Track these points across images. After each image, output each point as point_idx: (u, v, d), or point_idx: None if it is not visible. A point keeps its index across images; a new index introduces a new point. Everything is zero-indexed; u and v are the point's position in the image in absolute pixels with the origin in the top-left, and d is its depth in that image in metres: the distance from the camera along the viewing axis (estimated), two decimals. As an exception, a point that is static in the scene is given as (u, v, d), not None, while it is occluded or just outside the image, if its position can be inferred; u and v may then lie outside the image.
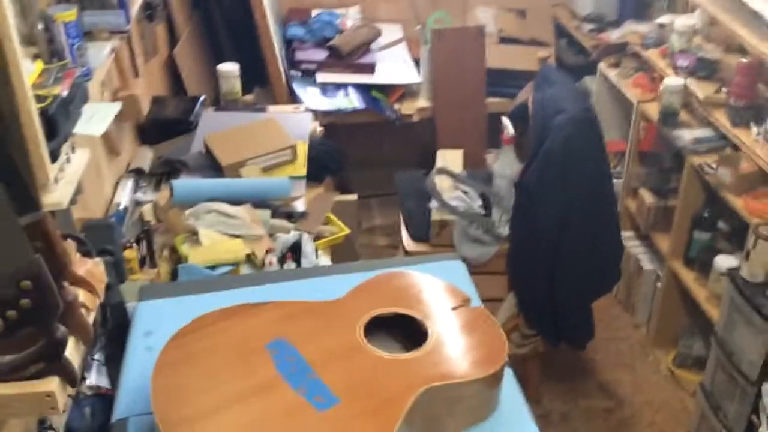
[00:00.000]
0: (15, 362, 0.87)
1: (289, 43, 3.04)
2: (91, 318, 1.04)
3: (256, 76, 2.54)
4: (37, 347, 0.87)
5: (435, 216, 2.22)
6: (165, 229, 1.70)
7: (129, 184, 1.89)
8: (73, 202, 1.45)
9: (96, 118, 1.21)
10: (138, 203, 1.85)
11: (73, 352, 0.95)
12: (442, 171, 2.26)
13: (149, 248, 1.57)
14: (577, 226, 1.90)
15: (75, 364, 0.94)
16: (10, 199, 0.83)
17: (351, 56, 2.98)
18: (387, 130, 3.05)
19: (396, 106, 2.99)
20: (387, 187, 2.93)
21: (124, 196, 1.83)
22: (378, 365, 1.12)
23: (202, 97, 2.29)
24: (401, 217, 2.42)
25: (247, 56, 2.58)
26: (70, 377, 0.91)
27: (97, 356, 1.44)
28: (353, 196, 2.32)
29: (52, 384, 0.89)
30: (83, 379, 1.36)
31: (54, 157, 1.09)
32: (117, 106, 1.30)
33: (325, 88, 2.92)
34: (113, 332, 1.30)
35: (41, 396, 0.88)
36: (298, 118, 2.22)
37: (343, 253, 1.91)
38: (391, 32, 3.28)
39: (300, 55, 2.95)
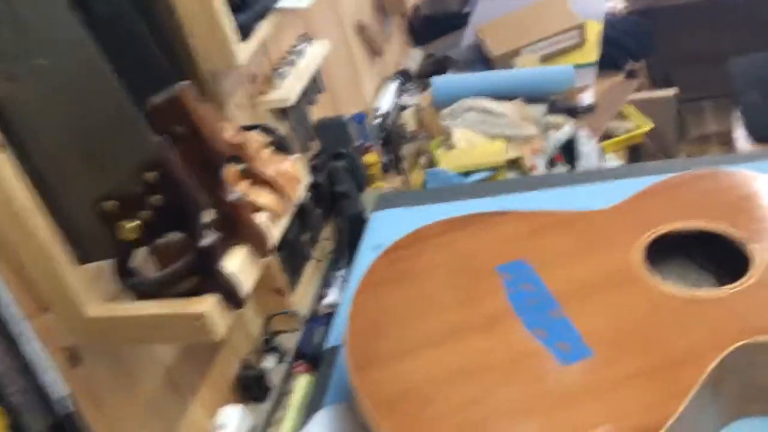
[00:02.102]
0: (164, 276, 0.71)
1: None
2: (279, 225, 0.84)
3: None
4: (185, 258, 0.70)
5: (786, 108, 1.64)
6: (424, 132, 1.46)
7: (393, 87, 1.68)
8: (310, 101, 1.28)
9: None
10: (402, 108, 1.64)
11: (243, 265, 0.76)
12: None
13: (395, 152, 1.35)
14: None
15: (244, 280, 0.75)
16: (137, 74, 0.65)
17: None
18: (721, 9, 2.41)
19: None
20: (724, 87, 2.32)
21: (386, 100, 1.63)
22: (663, 305, 0.74)
23: (481, -13, 1.98)
24: (738, 114, 1.86)
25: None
26: (232, 296, 0.72)
27: (342, 272, 1.29)
28: (670, 91, 1.83)
29: (205, 304, 0.70)
30: (321, 297, 1.22)
31: (245, 33, 0.89)
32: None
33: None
34: (352, 246, 1.10)
35: (191, 318, 0.71)
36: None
37: (648, 159, 1.48)
38: None
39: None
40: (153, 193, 0.65)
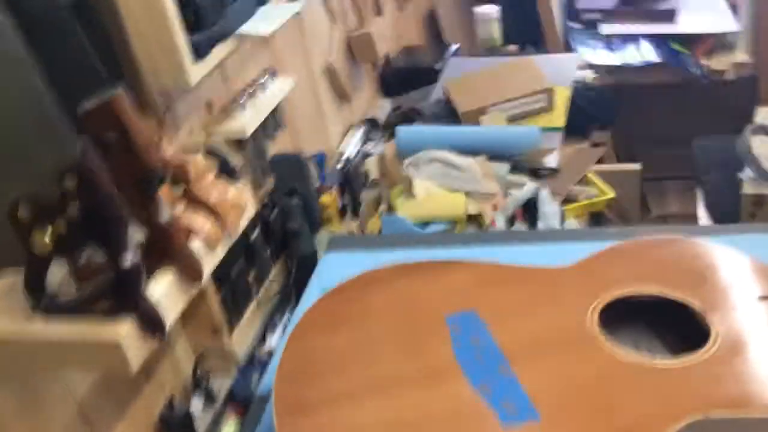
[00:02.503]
0: (79, 297, 0.64)
1: (569, -6, 2.61)
2: (215, 255, 0.79)
3: (524, 29, 2.16)
4: (103, 277, 0.64)
5: (748, 189, 1.65)
6: (386, 181, 1.43)
7: (358, 133, 1.66)
8: (269, 136, 1.24)
9: (270, 18, 0.96)
10: (366, 155, 1.61)
11: (169, 291, 0.70)
12: (762, 130, 1.67)
13: (354, 196, 1.31)
14: None
15: (169, 307, 0.69)
16: (71, 78, 0.61)
17: (646, 1, 2.45)
18: (687, 92, 2.45)
19: (703, 63, 2.39)
20: (687, 169, 2.34)
21: (350, 146, 1.60)
22: (616, 371, 0.70)
23: (454, 46, 1.99)
24: (699, 194, 1.87)
25: (515, 6, 2.22)
26: (153, 324, 0.66)
27: (287, 316, 1.22)
28: (635, 166, 1.83)
29: (120, 330, 0.64)
30: (263, 341, 1.15)
31: (199, 54, 0.85)
32: (296, 6, 1.04)
33: (611, 42, 2.42)
34: (300, 288, 1.05)
35: (104, 345, 0.64)
36: (560, 61, 1.81)
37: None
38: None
39: (582, 3, 2.50)
40: (70, 200, 0.59)
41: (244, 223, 0.85)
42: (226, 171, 0.85)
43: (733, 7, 2.46)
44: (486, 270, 0.86)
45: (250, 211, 0.85)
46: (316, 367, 0.74)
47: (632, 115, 2.29)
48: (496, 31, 2.00)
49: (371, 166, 1.55)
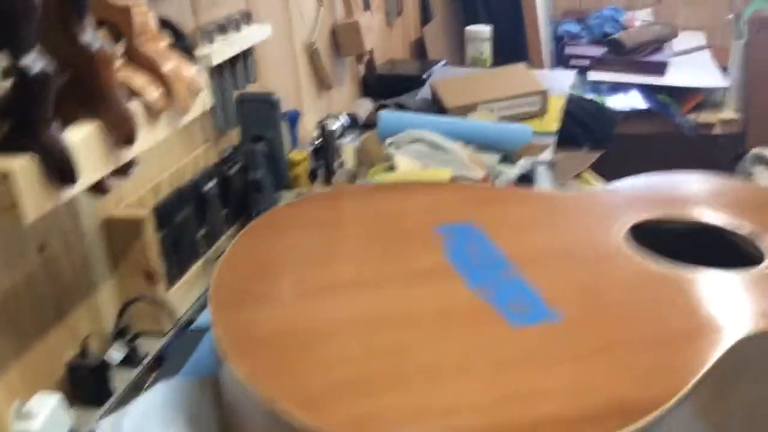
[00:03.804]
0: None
1: (558, 41, 2.58)
2: (155, 132, 0.64)
3: (513, 53, 2.10)
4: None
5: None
6: (364, 161, 1.29)
7: (336, 124, 1.53)
8: (236, 84, 1.11)
9: None
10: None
11: (87, 141, 0.55)
12: (759, 160, 1.58)
13: (327, 162, 1.17)
14: None
15: (85, 161, 0.54)
16: None
17: (635, 53, 2.42)
18: (673, 144, 2.40)
19: (690, 117, 2.35)
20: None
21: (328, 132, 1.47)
22: (652, 281, 0.56)
23: (442, 62, 1.90)
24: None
25: (505, 31, 2.17)
26: (56, 165, 0.50)
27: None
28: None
29: (15, 162, 0.48)
30: (205, 307, 0.97)
31: None
32: None
33: (598, 88, 2.38)
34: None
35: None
36: (555, 75, 1.73)
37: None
38: (689, 40, 2.66)
39: (571, 50, 2.47)
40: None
41: (197, 110, 0.70)
42: (182, 47, 0.71)
43: (723, 68, 2.45)
44: (481, 190, 0.72)
45: (205, 98, 0.71)
46: (266, 264, 0.58)
47: (618, 164, 2.21)
48: (486, 51, 1.92)
49: (347, 156, 1.41)
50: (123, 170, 0.78)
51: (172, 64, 0.66)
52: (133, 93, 0.61)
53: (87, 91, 0.55)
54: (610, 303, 0.52)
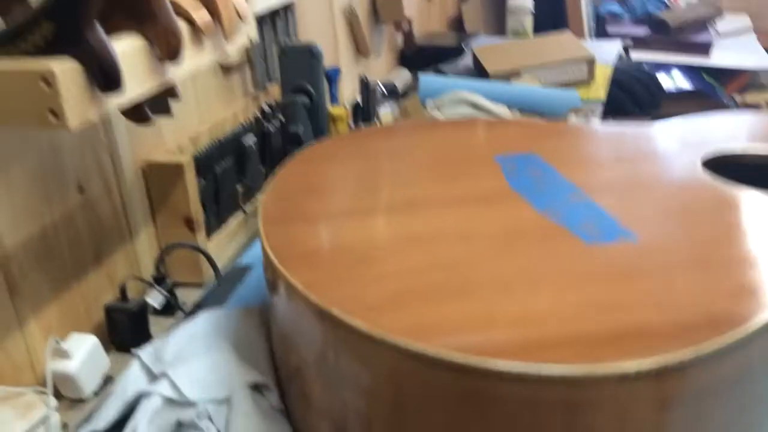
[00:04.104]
0: (15, 21, 0.46)
1: (599, 20, 2.52)
2: (201, 55, 0.61)
3: (553, 26, 2.05)
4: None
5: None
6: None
7: (376, 89, 1.49)
8: (279, 40, 1.08)
9: None
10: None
11: (132, 54, 0.52)
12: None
13: (369, 115, 1.14)
14: None
15: (128, 72, 0.51)
16: None
17: (680, 33, 2.36)
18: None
19: (735, 97, 2.28)
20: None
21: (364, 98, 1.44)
22: (742, 208, 0.52)
23: (482, 35, 1.86)
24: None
25: (547, 20, 2.12)
26: (101, 68, 0.48)
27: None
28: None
29: (55, 62, 0.46)
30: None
31: None
32: None
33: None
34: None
35: (33, 77, 0.45)
36: (601, 45, 1.68)
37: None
38: (734, 22, 2.59)
39: (613, 29, 2.40)
40: None
41: (242, 39, 0.68)
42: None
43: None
44: (542, 125, 0.68)
45: (250, 28, 0.68)
46: (318, 186, 0.55)
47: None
48: (528, 23, 1.88)
49: (386, 122, 1.38)
50: (164, 106, 0.76)
51: (217, -11, 0.64)
52: (180, 13, 0.59)
53: (134, 3, 0.53)
54: (690, 225, 0.48)
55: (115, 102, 0.51)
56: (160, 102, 0.77)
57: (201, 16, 0.61)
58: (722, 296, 0.40)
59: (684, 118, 0.71)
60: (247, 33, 0.70)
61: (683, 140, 0.63)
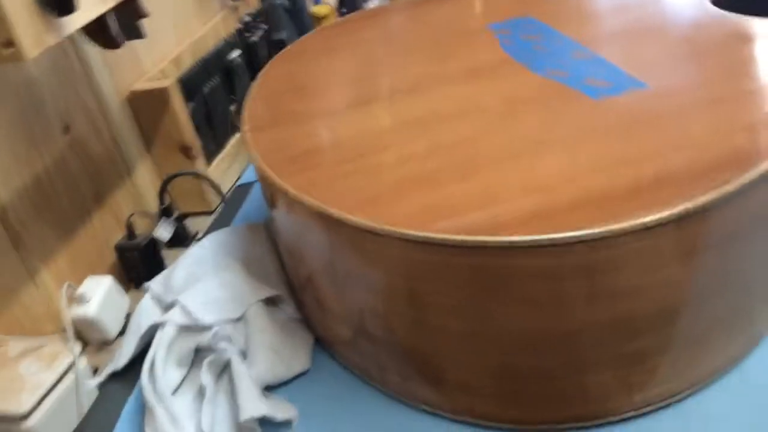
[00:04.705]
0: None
1: None
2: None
3: None
4: None
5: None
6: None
7: None
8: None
9: None
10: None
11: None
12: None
13: (353, 3, 1.08)
14: None
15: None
16: None
17: None
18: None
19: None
20: None
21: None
22: (755, 40, 0.48)
23: None
24: None
25: None
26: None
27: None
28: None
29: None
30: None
31: None
32: None
33: None
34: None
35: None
36: None
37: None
38: None
39: None
40: None
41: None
42: None
43: None
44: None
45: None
46: (304, 84, 0.52)
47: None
48: None
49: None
50: (136, 29, 0.72)
51: None
52: None
53: None
54: (701, 64, 0.44)
55: (73, 24, 0.48)
56: (130, 25, 0.72)
57: None
58: (741, 132, 0.37)
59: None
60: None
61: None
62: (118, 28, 0.67)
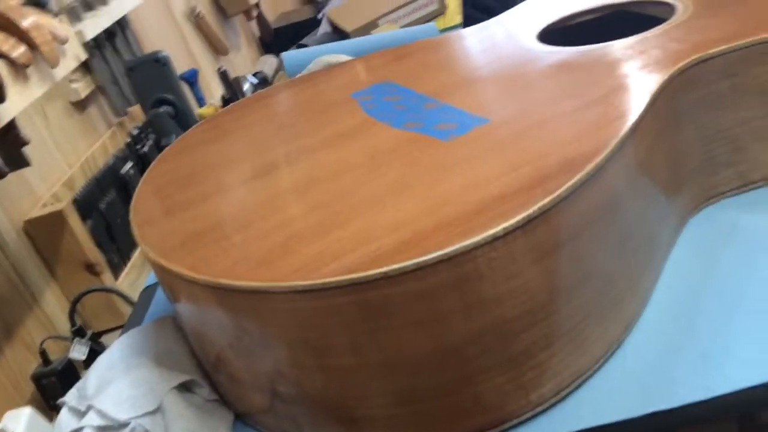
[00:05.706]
0: None
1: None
2: (30, 90, 0.59)
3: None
4: None
5: None
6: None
7: (246, 85, 1.48)
8: (125, 62, 1.06)
9: None
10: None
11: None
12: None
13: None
14: None
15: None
16: None
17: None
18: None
19: None
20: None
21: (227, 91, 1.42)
22: (577, 66, 0.54)
23: None
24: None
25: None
26: None
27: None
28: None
29: None
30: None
31: None
32: None
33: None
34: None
35: None
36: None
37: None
38: None
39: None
40: None
41: (70, 63, 0.66)
42: (35, 2, 0.66)
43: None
44: (387, 52, 0.69)
45: (76, 50, 0.66)
46: (183, 177, 0.55)
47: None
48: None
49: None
50: (20, 158, 0.73)
51: (30, 18, 0.61)
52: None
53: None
54: (532, 95, 0.50)
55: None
56: (13, 155, 0.74)
57: (18, 51, 0.59)
58: (569, 144, 0.42)
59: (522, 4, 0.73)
60: (76, 54, 0.68)
61: (520, 25, 0.65)
62: (1, 159, 0.68)
